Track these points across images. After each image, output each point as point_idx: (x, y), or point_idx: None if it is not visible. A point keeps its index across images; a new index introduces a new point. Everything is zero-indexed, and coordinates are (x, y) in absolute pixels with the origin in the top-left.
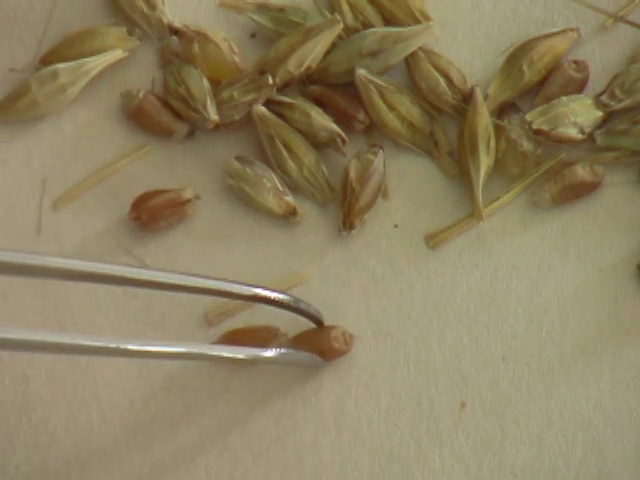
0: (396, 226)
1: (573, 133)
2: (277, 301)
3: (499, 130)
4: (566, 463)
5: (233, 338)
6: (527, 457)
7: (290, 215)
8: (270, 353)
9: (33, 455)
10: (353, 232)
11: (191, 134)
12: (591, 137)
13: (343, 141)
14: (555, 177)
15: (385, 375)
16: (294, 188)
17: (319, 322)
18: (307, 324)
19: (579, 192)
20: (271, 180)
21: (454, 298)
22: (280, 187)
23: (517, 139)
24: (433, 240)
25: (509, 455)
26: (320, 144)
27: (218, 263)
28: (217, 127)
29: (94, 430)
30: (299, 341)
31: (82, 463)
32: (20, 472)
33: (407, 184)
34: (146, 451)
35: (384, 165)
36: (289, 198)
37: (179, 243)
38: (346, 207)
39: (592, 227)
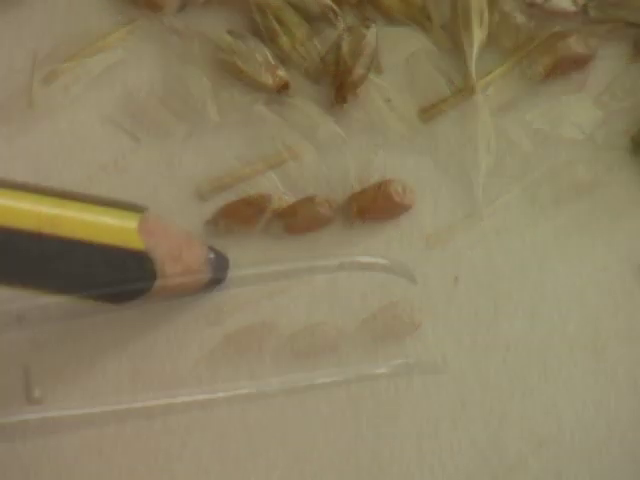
0: (389, 100)
1: (566, 4)
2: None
3: (492, 3)
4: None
5: (229, 212)
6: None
7: (282, 89)
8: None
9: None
10: (345, 107)
11: (182, 8)
12: (585, 9)
13: (335, 14)
14: (548, 50)
15: None
16: (287, 62)
17: (413, 279)
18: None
19: (572, 65)
20: (263, 54)
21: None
22: (272, 61)
23: (510, 12)
24: (427, 113)
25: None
26: (312, 18)
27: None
28: (209, 0)
29: None
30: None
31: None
32: None
33: (399, 58)
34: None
35: (376, 39)
36: (281, 72)
37: None
38: (338, 81)
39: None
